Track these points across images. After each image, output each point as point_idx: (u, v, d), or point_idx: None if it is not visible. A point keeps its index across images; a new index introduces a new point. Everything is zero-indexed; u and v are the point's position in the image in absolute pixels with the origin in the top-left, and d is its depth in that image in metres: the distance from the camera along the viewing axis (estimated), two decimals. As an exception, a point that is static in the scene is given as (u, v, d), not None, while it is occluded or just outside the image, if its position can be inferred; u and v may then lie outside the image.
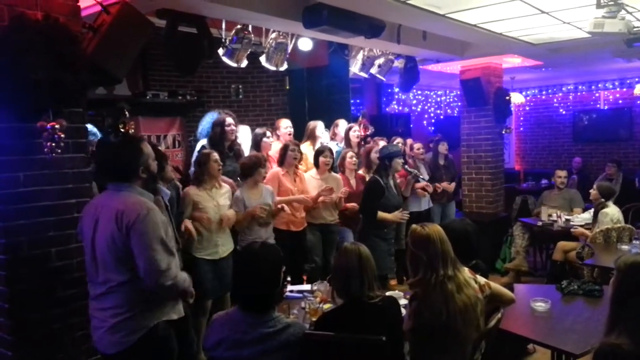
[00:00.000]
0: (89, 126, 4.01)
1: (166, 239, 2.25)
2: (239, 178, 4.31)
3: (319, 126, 5.30)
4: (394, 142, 5.78)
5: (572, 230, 5.37)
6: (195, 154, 4.43)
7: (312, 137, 5.26)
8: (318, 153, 4.70)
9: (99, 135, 4.08)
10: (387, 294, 2.83)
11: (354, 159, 4.90)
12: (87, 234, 2.32)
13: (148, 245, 2.18)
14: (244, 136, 4.98)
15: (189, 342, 3.43)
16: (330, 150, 4.78)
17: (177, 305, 2.44)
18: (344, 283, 2.40)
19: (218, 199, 3.83)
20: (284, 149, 4.49)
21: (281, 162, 4.50)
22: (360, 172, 5.12)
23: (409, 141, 6.26)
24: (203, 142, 4.50)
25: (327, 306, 2.90)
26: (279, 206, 4.09)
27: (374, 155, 4.99)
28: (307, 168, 4.93)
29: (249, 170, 4.03)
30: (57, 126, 2.49)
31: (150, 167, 2.39)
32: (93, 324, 2.35)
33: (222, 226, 3.81)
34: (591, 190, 5.23)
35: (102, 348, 2.33)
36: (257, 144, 4.75)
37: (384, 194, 4.37)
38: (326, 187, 4.51)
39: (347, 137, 5.35)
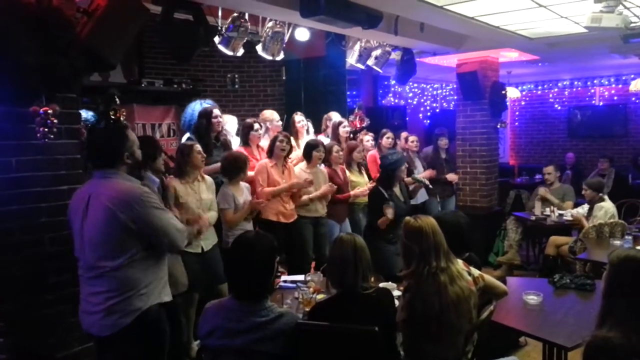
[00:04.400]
0: (84, 112, 3.97)
1: (164, 207, 2.42)
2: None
3: (296, 118, 5.17)
4: (384, 136, 5.74)
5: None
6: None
7: (293, 131, 5.13)
8: (312, 147, 4.61)
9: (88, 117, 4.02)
10: (380, 285, 2.83)
11: (340, 152, 4.84)
12: (77, 222, 2.33)
13: (159, 223, 2.29)
14: (230, 126, 4.90)
15: (179, 331, 3.43)
16: (323, 145, 4.72)
17: (167, 288, 2.49)
18: (339, 273, 2.40)
19: (201, 193, 3.71)
20: (273, 140, 4.43)
21: (270, 153, 4.45)
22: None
23: (404, 134, 6.26)
24: (188, 134, 4.37)
25: (320, 296, 2.91)
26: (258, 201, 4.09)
27: (357, 155, 5.03)
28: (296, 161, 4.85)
29: (230, 173, 3.96)
30: (50, 111, 2.48)
31: (134, 154, 2.42)
32: (83, 308, 2.37)
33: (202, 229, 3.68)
34: (584, 192, 5.23)
35: (95, 331, 2.34)
36: (245, 136, 4.62)
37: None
38: (306, 179, 4.44)
39: (335, 132, 5.27)
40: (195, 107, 4.43)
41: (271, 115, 5.07)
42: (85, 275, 2.35)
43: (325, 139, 5.26)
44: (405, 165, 4.49)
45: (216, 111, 4.39)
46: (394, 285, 3.21)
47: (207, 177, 3.87)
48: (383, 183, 4.35)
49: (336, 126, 5.30)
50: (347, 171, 4.99)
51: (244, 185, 4.11)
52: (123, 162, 2.36)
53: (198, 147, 3.75)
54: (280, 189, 4.33)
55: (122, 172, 2.36)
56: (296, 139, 5.09)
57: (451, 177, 6.25)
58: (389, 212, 4.13)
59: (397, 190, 4.36)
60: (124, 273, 2.26)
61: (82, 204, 2.31)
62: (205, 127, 4.31)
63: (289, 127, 5.20)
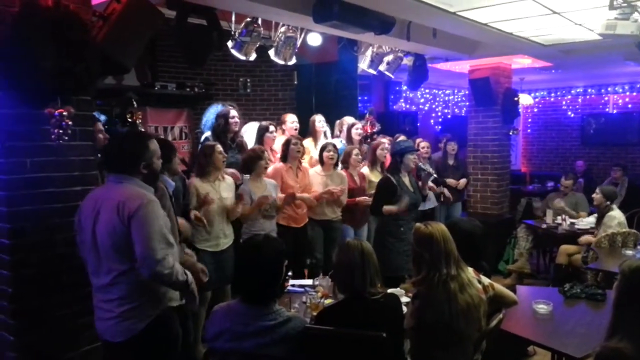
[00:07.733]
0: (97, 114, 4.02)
1: (165, 231, 2.25)
2: (239, 172, 4.32)
3: (317, 119, 5.24)
4: (397, 140, 5.75)
5: (578, 240, 5.34)
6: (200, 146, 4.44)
7: (313, 132, 5.22)
8: (321, 149, 4.68)
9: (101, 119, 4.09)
10: (389, 291, 2.83)
11: (359, 156, 4.87)
12: (87, 226, 2.31)
13: (147, 233, 2.18)
14: (252, 132, 4.97)
15: (186, 331, 3.44)
16: (334, 146, 4.74)
17: (176, 292, 2.47)
18: (346, 278, 2.39)
19: (221, 191, 3.83)
20: (287, 144, 4.47)
21: (284, 157, 4.48)
22: (365, 170, 5.08)
23: (417, 140, 6.24)
24: (207, 134, 4.52)
25: (328, 301, 2.90)
26: (286, 198, 4.14)
27: (380, 152, 4.99)
28: (310, 164, 4.91)
29: (249, 165, 4.07)
30: (64, 113, 2.51)
31: (152, 165, 2.38)
32: (98, 315, 2.36)
33: (229, 217, 3.84)
34: (594, 195, 5.19)
35: (109, 337, 2.34)
36: (260, 137, 4.74)
37: (396, 193, 4.25)
38: (328, 190, 4.50)
39: (349, 135, 5.31)
40: (217, 108, 4.59)
41: (287, 117, 5.17)
42: (97, 282, 2.33)
43: (338, 143, 5.28)
44: (415, 156, 4.58)
45: (233, 112, 4.54)
46: (402, 291, 3.20)
47: (227, 177, 3.99)
48: (391, 169, 4.45)
49: (349, 128, 5.33)
50: (368, 170, 5.00)
51: (268, 182, 4.16)
52: (139, 172, 2.33)
53: (219, 147, 3.85)
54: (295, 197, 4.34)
55: (136, 178, 2.33)
56: (314, 140, 5.13)
57: (451, 182, 6.04)
58: (403, 203, 4.17)
59: (406, 180, 4.40)
60: (135, 278, 2.24)
61: (92, 209, 2.29)
62: (222, 127, 4.45)
63: (308, 129, 5.26)
